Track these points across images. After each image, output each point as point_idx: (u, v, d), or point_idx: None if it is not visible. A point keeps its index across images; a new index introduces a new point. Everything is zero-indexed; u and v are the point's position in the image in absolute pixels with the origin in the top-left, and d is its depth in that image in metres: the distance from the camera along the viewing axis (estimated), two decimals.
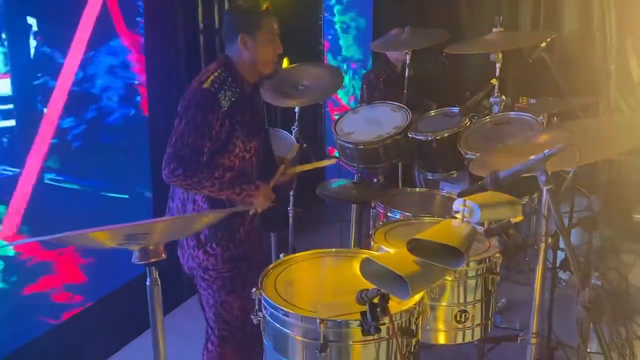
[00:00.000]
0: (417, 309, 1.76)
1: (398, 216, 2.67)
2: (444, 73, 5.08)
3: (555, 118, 2.20)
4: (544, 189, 1.60)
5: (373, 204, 2.85)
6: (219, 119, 2.11)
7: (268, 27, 2.22)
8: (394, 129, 3.07)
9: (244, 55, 2.23)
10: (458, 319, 2.19)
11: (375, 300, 1.55)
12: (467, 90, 4.14)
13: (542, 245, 2.21)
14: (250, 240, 2.35)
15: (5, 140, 2.77)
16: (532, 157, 1.60)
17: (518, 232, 2.00)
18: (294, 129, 3.45)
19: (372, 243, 2.36)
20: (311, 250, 2.16)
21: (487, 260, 2.19)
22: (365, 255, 1.74)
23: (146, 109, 3.46)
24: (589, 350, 2.75)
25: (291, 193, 3.53)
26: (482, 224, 2.38)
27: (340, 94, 5.75)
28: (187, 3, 3.64)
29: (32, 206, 2.76)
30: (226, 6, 3.88)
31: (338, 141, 3.18)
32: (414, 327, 1.74)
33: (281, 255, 2.11)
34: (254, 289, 1.84)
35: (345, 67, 5.88)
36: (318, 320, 1.64)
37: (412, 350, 1.78)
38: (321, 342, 1.64)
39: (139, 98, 3.46)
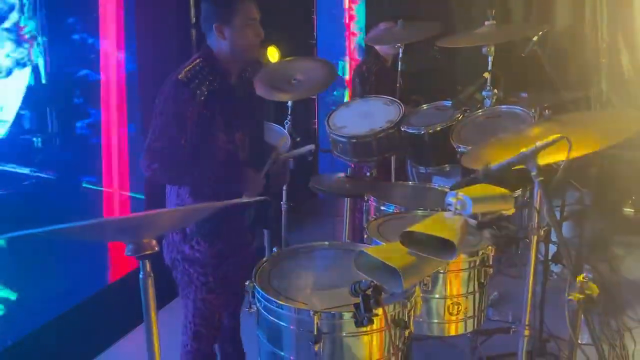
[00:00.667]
0: (410, 300, 1.77)
1: (391, 209, 2.67)
2: (437, 67, 5.08)
3: (546, 111, 2.20)
4: (536, 181, 1.61)
5: (366, 198, 2.85)
6: (194, 109, 2.06)
7: (245, 12, 2.15)
8: (387, 122, 3.07)
9: (222, 45, 2.16)
10: (451, 311, 2.21)
11: (368, 292, 1.56)
12: (459, 84, 4.15)
13: (534, 238, 2.23)
14: (237, 237, 2.32)
15: None
16: (524, 149, 1.61)
17: (510, 225, 2.01)
18: (287, 123, 3.45)
19: (365, 236, 2.37)
20: (304, 244, 2.16)
21: (480, 252, 2.20)
22: (359, 248, 1.75)
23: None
24: (580, 342, 2.78)
25: (284, 187, 3.54)
26: (475, 217, 2.39)
27: None
28: None
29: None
30: None
31: (331, 135, 3.19)
32: (406, 318, 1.75)
33: (274, 249, 2.11)
34: (248, 282, 1.84)
35: None
36: (312, 312, 1.65)
37: (404, 341, 1.79)
38: (315, 333, 1.64)
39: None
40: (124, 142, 3.48)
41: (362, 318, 1.57)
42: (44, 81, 3.22)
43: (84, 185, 3.51)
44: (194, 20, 3.73)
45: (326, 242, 2.19)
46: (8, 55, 2.99)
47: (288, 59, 3.64)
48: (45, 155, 3.31)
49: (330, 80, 3.48)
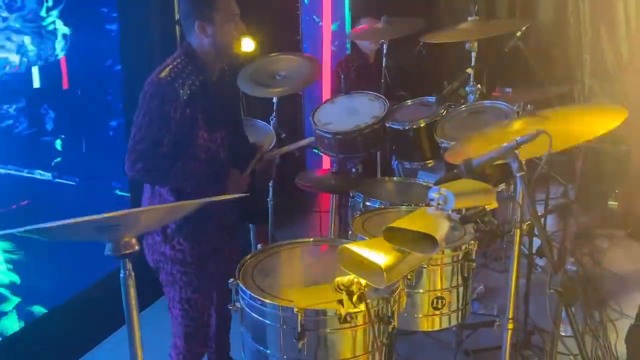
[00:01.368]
0: (393, 296, 1.78)
1: (376, 205, 2.68)
2: (421, 62, 5.09)
3: (529, 106, 2.21)
4: (517, 175, 1.62)
5: (351, 194, 2.86)
6: (177, 108, 2.05)
7: (225, 8, 2.14)
8: (372, 118, 3.07)
9: (205, 42, 2.15)
10: (435, 305, 2.22)
11: (352, 288, 1.57)
12: (444, 80, 4.16)
13: (517, 232, 2.24)
14: (220, 236, 2.31)
15: None
16: (505, 144, 1.62)
17: (494, 219, 2.02)
18: (272, 119, 3.44)
19: (350, 232, 2.38)
20: (289, 240, 2.16)
21: (463, 247, 2.21)
22: (343, 244, 1.75)
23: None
24: (563, 334, 2.81)
25: (270, 184, 3.53)
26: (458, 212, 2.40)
27: None
28: None
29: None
30: None
31: (316, 131, 3.18)
32: (390, 314, 1.76)
33: (259, 246, 2.11)
34: (231, 280, 1.83)
35: None
36: (295, 309, 1.64)
37: (389, 337, 1.79)
38: (298, 330, 1.64)
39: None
40: None
41: (346, 314, 1.58)
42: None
43: (116, 192, 3.48)
44: (177, 16, 3.71)
45: (310, 239, 2.19)
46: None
47: (273, 54, 3.63)
48: (72, 159, 3.25)
49: (315, 76, 3.47)
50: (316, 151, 3.27)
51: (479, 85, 3.08)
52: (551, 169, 3.39)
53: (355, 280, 1.57)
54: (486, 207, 1.76)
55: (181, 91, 2.06)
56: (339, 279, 1.62)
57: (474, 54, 3.10)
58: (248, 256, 2.02)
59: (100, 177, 3.41)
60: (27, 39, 2.94)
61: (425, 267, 2.19)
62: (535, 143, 1.62)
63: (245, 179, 2.27)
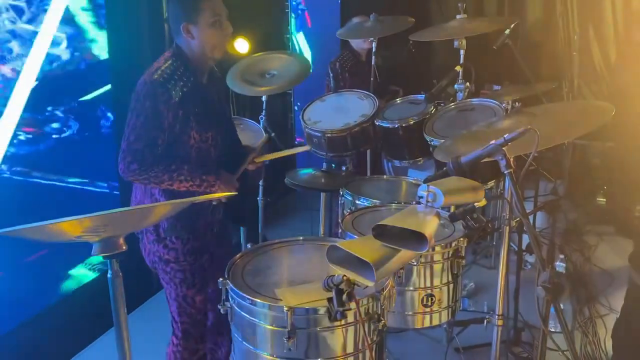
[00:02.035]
0: (383, 293, 1.78)
1: (366, 203, 2.68)
2: (412, 60, 5.11)
3: (517, 104, 2.23)
4: (505, 172, 1.63)
5: (341, 192, 2.86)
6: (170, 110, 2.06)
7: (211, 10, 2.14)
8: (361, 117, 3.07)
9: (192, 44, 2.16)
10: (425, 302, 2.22)
11: (341, 286, 1.56)
12: (434, 78, 4.17)
13: (506, 229, 2.25)
14: (212, 233, 2.33)
15: None
16: (493, 141, 1.62)
17: (483, 217, 2.03)
18: (261, 118, 3.44)
19: (340, 230, 2.38)
20: (279, 239, 2.16)
21: (452, 244, 2.22)
22: (332, 243, 1.75)
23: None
24: (553, 330, 2.83)
25: (260, 183, 3.52)
26: (448, 209, 2.41)
27: None
28: None
29: None
30: None
31: (306, 130, 3.18)
32: (380, 311, 1.76)
33: (248, 245, 2.11)
34: (220, 279, 1.83)
35: None
36: (285, 308, 1.64)
37: (379, 334, 1.79)
38: (288, 329, 1.64)
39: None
40: None
41: (336, 312, 1.58)
42: None
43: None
44: (166, 14, 3.69)
45: (300, 237, 2.19)
46: None
47: (261, 53, 3.62)
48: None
49: (304, 75, 3.47)
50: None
51: (467, 83, 3.08)
52: (540, 165, 3.41)
53: (345, 278, 1.56)
54: (475, 204, 1.77)
55: (173, 92, 2.07)
56: (328, 277, 1.62)
57: (462, 52, 3.10)
58: (238, 255, 2.01)
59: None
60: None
61: (415, 265, 2.20)
62: (523, 140, 1.62)
63: (235, 181, 2.28)
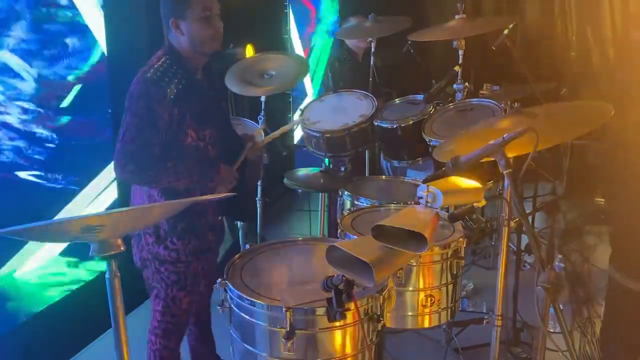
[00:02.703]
0: (383, 294, 1.78)
1: (365, 204, 2.68)
2: (410, 61, 5.11)
3: (515, 104, 2.22)
4: (504, 172, 1.62)
5: (340, 192, 2.85)
6: (165, 108, 2.04)
7: (199, 5, 2.12)
8: (359, 117, 3.07)
9: (181, 40, 2.14)
10: (424, 303, 2.22)
11: (341, 287, 1.56)
12: (433, 78, 4.17)
13: (505, 229, 2.25)
14: (209, 234, 2.30)
15: None
16: (492, 141, 1.62)
17: (482, 217, 2.03)
18: (260, 118, 3.43)
19: (339, 230, 2.37)
20: (278, 240, 2.16)
21: (452, 244, 2.22)
22: (331, 243, 1.74)
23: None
24: (552, 330, 2.82)
25: (259, 183, 3.52)
26: (447, 209, 2.41)
27: None
28: None
29: None
30: None
31: (305, 130, 3.18)
32: (379, 312, 1.76)
33: (247, 245, 2.10)
34: (219, 280, 1.82)
35: None
36: (284, 309, 1.64)
37: (378, 335, 1.79)
38: (287, 330, 1.64)
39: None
40: None
41: (335, 313, 1.58)
42: None
43: None
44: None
45: (299, 238, 2.19)
46: None
47: (260, 54, 3.62)
48: None
49: (302, 75, 3.47)
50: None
51: (466, 83, 3.08)
52: (539, 166, 3.41)
53: (344, 279, 1.56)
54: (474, 204, 1.77)
55: (168, 90, 2.05)
56: (328, 278, 1.61)
57: (461, 52, 3.10)
58: (237, 256, 2.01)
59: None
60: None
61: (414, 265, 2.19)
62: (522, 140, 1.62)
63: (235, 172, 2.27)
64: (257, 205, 3.57)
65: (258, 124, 3.42)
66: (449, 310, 2.31)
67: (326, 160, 3.33)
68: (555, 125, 2.02)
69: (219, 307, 1.84)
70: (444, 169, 1.75)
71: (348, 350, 1.72)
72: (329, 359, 1.71)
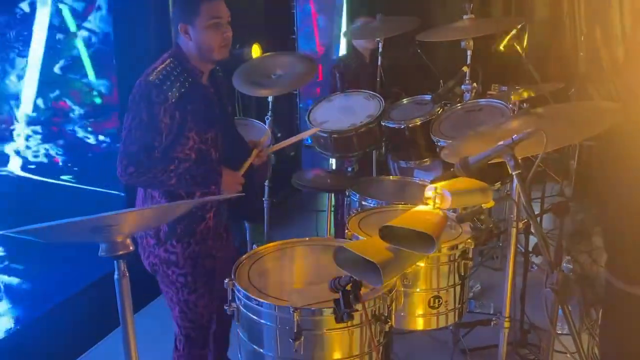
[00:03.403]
0: (390, 295, 1.77)
1: (372, 204, 2.67)
2: (417, 61, 5.10)
3: (524, 104, 2.21)
4: (513, 174, 1.61)
5: (347, 193, 2.85)
6: (167, 111, 2.03)
7: (208, 12, 2.11)
8: (367, 117, 3.07)
9: (189, 45, 2.15)
10: (432, 304, 2.21)
11: (348, 288, 1.56)
12: (440, 78, 4.16)
13: (513, 231, 2.24)
14: (215, 235, 2.29)
15: None
16: (501, 142, 1.61)
17: (490, 218, 2.01)
18: (267, 118, 3.44)
19: (346, 231, 2.37)
20: (285, 240, 2.15)
21: (459, 246, 2.21)
22: (339, 244, 1.74)
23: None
24: (560, 332, 2.81)
25: (266, 183, 3.52)
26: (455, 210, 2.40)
27: None
28: None
29: None
30: None
31: (310, 127, 3.18)
32: (387, 313, 1.75)
33: (254, 246, 2.10)
34: (227, 280, 1.82)
35: None
36: (291, 309, 1.64)
37: (385, 336, 1.79)
38: (295, 330, 1.64)
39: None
40: None
41: (342, 314, 1.57)
42: None
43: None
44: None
45: (307, 238, 2.18)
46: None
47: (267, 54, 3.62)
48: None
49: (310, 75, 3.46)
50: (309, 142, 3.24)
51: (474, 84, 3.07)
52: (547, 167, 3.40)
53: (352, 279, 1.56)
54: (483, 205, 1.76)
55: (169, 93, 2.05)
56: (335, 279, 1.61)
57: (469, 53, 3.09)
58: (244, 256, 2.01)
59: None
60: None
61: (422, 266, 2.19)
62: (531, 141, 1.61)
63: (240, 177, 2.26)
64: (265, 205, 3.58)
65: (265, 124, 3.42)
66: (457, 311, 2.30)
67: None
68: (564, 126, 2.01)
69: (226, 307, 1.84)
70: (452, 169, 1.74)
71: (355, 351, 1.72)
72: None
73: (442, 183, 1.62)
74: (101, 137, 3.43)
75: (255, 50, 3.97)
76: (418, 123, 2.90)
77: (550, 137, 1.60)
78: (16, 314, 2.90)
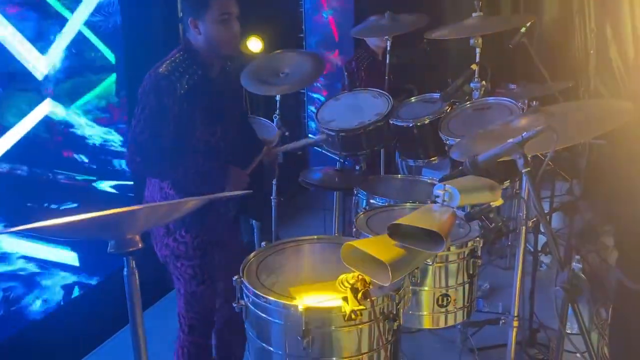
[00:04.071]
0: (399, 293, 1.77)
1: (380, 203, 2.67)
2: (426, 59, 5.08)
3: (534, 102, 2.20)
4: (523, 172, 1.60)
5: (355, 191, 2.85)
6: (176, 103, 2.06)
7: (218, 7, 2.13)
8: (375, 115, 3.06)
9: (199, 39, 2.17)
10: (440, 302, 2.21)
11: (357, 286, 1.56)
12: (449, 77, 4.14)
13: (523, 229, 2.23)
14: (223, 227, 2.33)
15: None
16: (510, 140, 1.60)
17: (499, 216, 2.00)
18: (275, 116, 3.44)
19: (354, 229, 2.37)
20: (293, 238, 2.15)
21: (468, 244, 2.20)
22: (347, 242, 1.74)
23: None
24: (570, 332, 2.80)
25: (274, 182, 3.52)
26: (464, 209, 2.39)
27: None
28: None
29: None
30: None
31: (321, 129, 3.17)
32: (395, 311, 1.75)
33: (263, 244, 2.10)
34: (235, 277, 1.83)
35: None
36: (300, 307, 1.64)
37: (394, 334, 1.78)
38: (303, 328, 1.64)
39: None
40: None
41: (350, 312, 1.57)
42: None
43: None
44: (180, 14, 3.70)
45: (314, 236, 2.18)
46: None
47: (275, 52, 3.61)
48: None
49: (318, 73, 3.46)
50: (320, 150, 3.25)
51: (483, 82, 3.05)
52: (556, 165, 3.37)
53: (360, 277, 1.56)
54: (492, 204, 1.75)
55: (178, 85, 2.08)
56: (343, 276, 1.61)
57: (478, 50, 3.07)
58: (252, 254, 2.01)
59: None
60: None
61: (430, 265, 2.18)
62: (540, 139, 1.60)
63: (246, 175, 2.27)
64: (272, 203, 3.58)
65: (273, 122, 3.42)
66: (465, 310, 2.29)
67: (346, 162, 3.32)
68: (574, 124, 1.99)
69: (234, 305, 1.85)
70: (461, 168, 1.73)
71: (363, 349, 1.72)
72: (345, 358, 1.71)
73: (451, 181, 1.61)
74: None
75: (253, 43, 3.93)
76: (427, 121, 2.89)
77: (560, 135, 1.59)
78: (23, 313, 2.92)
